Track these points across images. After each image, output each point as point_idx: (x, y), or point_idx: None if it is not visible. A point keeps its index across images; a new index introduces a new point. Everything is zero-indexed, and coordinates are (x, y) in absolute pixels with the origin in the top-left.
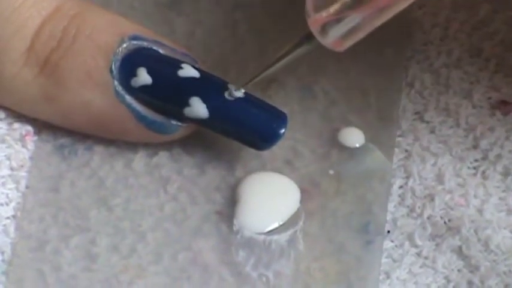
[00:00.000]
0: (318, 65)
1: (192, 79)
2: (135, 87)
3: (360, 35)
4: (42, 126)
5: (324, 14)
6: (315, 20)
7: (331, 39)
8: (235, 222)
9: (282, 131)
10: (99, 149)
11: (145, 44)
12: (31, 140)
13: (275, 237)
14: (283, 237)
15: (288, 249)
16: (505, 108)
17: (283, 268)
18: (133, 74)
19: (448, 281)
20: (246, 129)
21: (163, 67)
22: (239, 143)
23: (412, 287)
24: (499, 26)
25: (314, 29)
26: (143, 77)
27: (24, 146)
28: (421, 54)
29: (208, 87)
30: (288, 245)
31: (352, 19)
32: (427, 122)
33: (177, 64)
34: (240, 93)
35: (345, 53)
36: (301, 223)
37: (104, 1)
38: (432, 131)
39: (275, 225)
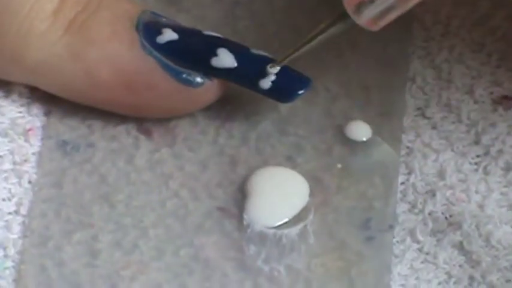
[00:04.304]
0: (319, 61)
1: (216, 37)
2: (161, 43)
3: (394, 14)
4: (46, 121)
5: None
6: None
7: (365, 18)
8: (245, 216)
9: (302, 91)
10: (101, 145)
11: (164, 19)
12: (34, 135)
13: (285, 231)
14: (293, 231)
15: (298, 243)
16: (507, 103)
17: (294, 262)
18: (159, 32)
19: (450, 277)
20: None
21: (187, 28)
22: (261, 95)
23: (414, 283)
24: (500, 21)
25: (349, 8)
26: (169, 33)
27: (27, 140)
28: (423, 50)
29: (233, 42)
30: (298, 239)
31: None
32: (429, 118)
33: (199, 29)
34: (275, 70)
35: (345, 48)
36: (311, 217)
37: None
38: (434, 127)
39: (285, 219)
